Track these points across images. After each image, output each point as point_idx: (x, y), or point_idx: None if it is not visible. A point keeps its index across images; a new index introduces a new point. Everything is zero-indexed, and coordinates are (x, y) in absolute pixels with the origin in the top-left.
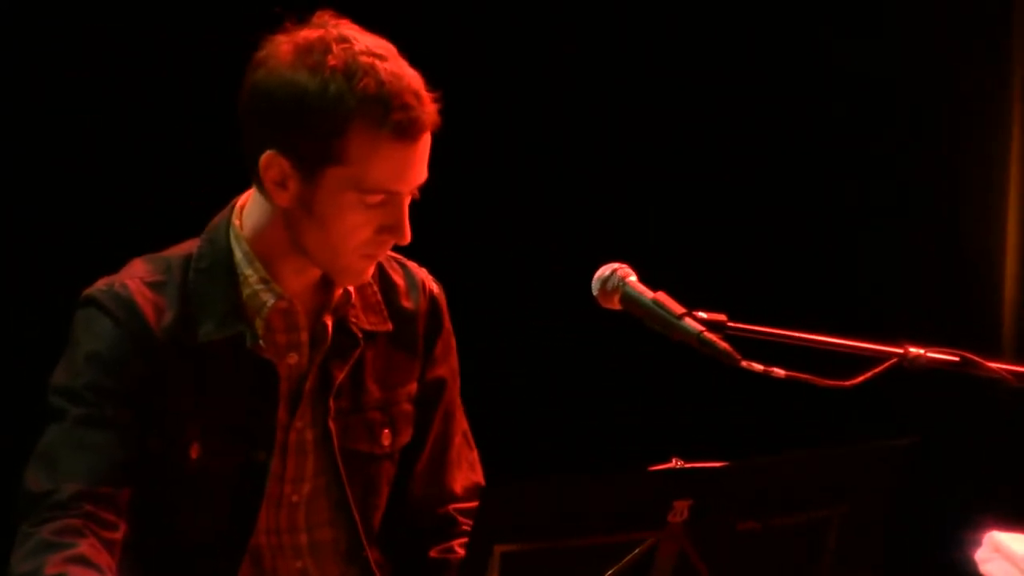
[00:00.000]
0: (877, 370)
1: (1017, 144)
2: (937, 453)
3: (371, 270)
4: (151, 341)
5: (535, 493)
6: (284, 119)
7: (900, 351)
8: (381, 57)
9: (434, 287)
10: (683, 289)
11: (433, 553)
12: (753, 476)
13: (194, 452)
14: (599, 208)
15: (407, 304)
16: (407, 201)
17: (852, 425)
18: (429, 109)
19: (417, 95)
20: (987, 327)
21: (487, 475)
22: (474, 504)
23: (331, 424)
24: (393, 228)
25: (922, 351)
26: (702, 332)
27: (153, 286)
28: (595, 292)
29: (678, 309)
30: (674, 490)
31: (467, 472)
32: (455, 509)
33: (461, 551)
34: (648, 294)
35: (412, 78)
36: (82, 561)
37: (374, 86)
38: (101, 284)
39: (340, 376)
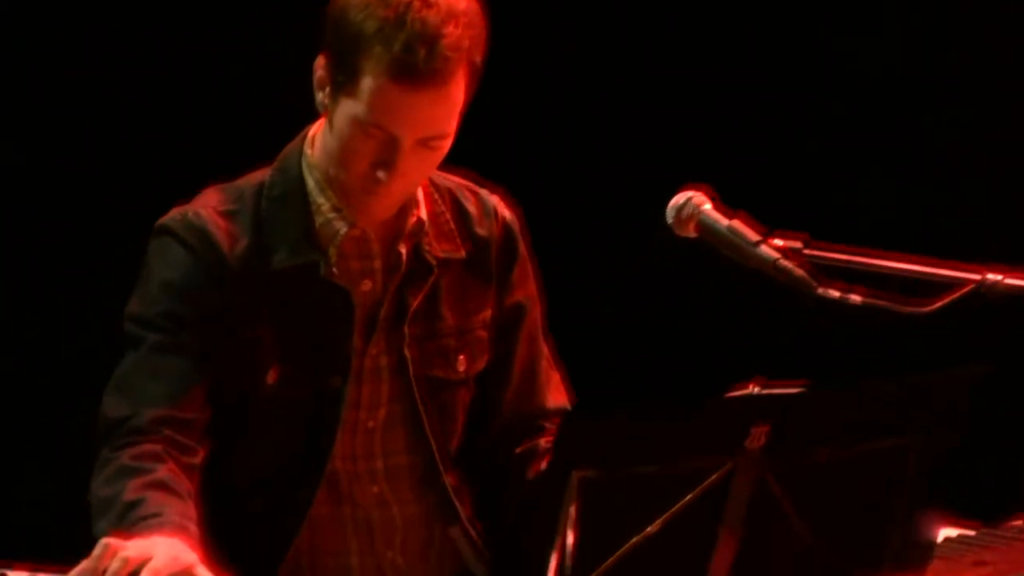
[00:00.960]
0: (954, 295)
1: None
2: (1012, 382)
3: (388, 206)
4: (225, 269)
5: (614, 420)
6: (330, 25)
7: (978, 277)
8: (429, 4)
9: (507, 213)
10: (760, 213)
11: (518, 449)
12: (831, 402)
13: (270, 379)
14: (675, 134)
15: (480, 231)
16: (417, 150)
17: (929, 353)
18: (436, 64)
19: (432, 46)
20: None
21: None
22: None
23: (406, 351)
24: (384, 165)
25: (1000, 277)
26: (777, 260)
27: (226, 214)
28: (670, 220)
29: (754, 235)
30: (752, 415)
31: (554, 393)
32: (543, 424)
33: (546, 445)
34: (723, 221)
35: (439, 29)
36: (162, 486)
37: (394, 20)
38: (174, 213)
39: (415, 303)
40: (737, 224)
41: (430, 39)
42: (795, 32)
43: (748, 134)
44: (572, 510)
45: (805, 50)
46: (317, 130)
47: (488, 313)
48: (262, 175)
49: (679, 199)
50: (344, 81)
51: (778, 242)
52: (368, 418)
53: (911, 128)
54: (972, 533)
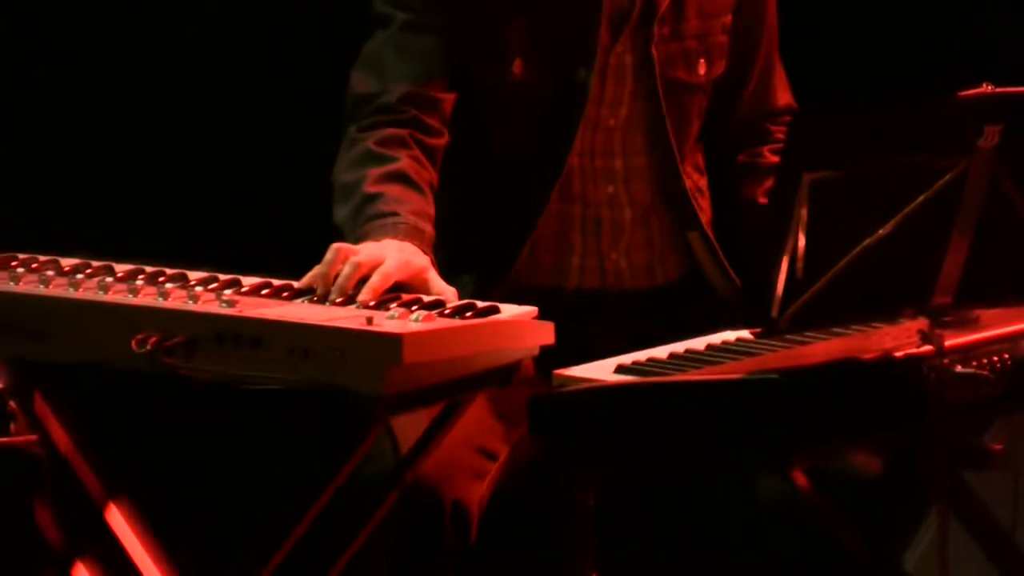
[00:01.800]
0: None
1: None
2: None
3: None
4: None
5: (845, 120)
6: None
7: None
8: None
9: None
10: None
11: (742, 157)
12: None
13: (517, 67)
14: None
15: None
16: None
17: None
18: None
19: None
20: None
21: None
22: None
23: (653, 50)
24: None
25: None
26: None
27: None
28: None
29: None
30: (985, 114)
31: (782, 91)
32: (771, 126)
33: (770, 156)
34: None
35: None
36: (402, 179)
37: None
38: None
39: (665, 2)
40: None
41: None
42: None
43: None
44: (803, 212)
45: None
46: None
47: (728, 18)
48: None
49: None
50: None
51: None
52: (609, 116)
53: None
54: None
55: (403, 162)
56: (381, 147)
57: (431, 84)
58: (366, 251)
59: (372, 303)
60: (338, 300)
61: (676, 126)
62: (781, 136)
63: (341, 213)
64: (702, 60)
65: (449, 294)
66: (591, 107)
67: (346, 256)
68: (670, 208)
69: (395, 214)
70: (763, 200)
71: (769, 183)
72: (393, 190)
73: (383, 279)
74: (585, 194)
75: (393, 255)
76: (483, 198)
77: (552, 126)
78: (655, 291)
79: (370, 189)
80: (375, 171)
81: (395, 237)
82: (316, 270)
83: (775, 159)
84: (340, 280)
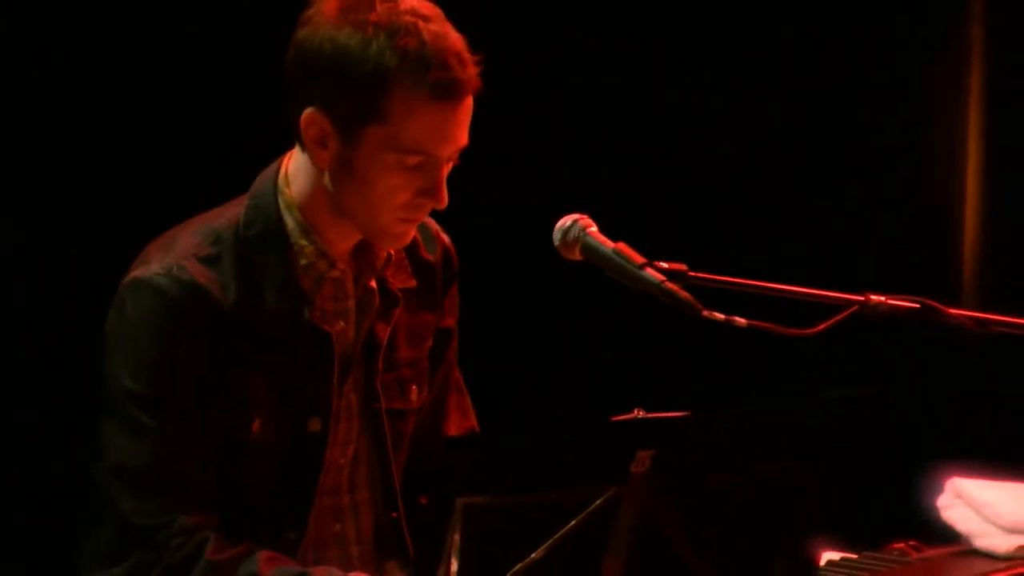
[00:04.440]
0: (838, 317)
1: (976, 88)
2: (900, 400)
3: (411, 234)
4: (220, 323)
5: (496, 446)
6: (325, 76)
7: (861, 298)
8: (425, 18)
9: (445, 237)
10: (645, 240)
11: (422, 499)
12: (716, 426)
13: (256, 426)
14: (560, 160)
15: (427, 256)
16: (447, 165)
17: (817, 375)
18: (470, 72)
19: (459, 56)
20: (949, 275)
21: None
22: None
23: (377, 386)
24: (430, 191)
25: (883, 298)
26: (663, 282)
27: (208, 261)
28: (556, 243)
29: (638, 259)
30: (636, 440)
31: (461, 419)
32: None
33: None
34: (608, 244)
35: (455, 40)
36: (273, 557)
37: (415, 45)
38: (155, 268)
39: (384, 338)
40: (622, 247)
41: (455, 51)
42: (671, 67)
43: (626, 164)
44: (456, 537)
45: (678, 83)
46: (289, 163)
47: (431, 341)
48: (234, 212)
49: (565, 221)
50: (365, 124)
51: (663, 265)
52: (340, 455)
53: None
54: (855, 557)
55: (255, 552)
56: (220, 553)
57: (208, 499)
58: None
59: None
60: None
61: (397, 456)
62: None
63: None
64: (414, 386)
65: None
66: (327, 451)
67: None
68: (384, 540)
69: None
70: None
71: None
72: (283, 565)
73: None
74: (318, 532)
75: None
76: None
77: (294, 475)
78: None
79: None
80: (255, 566)
81: None
82: None
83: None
84: None
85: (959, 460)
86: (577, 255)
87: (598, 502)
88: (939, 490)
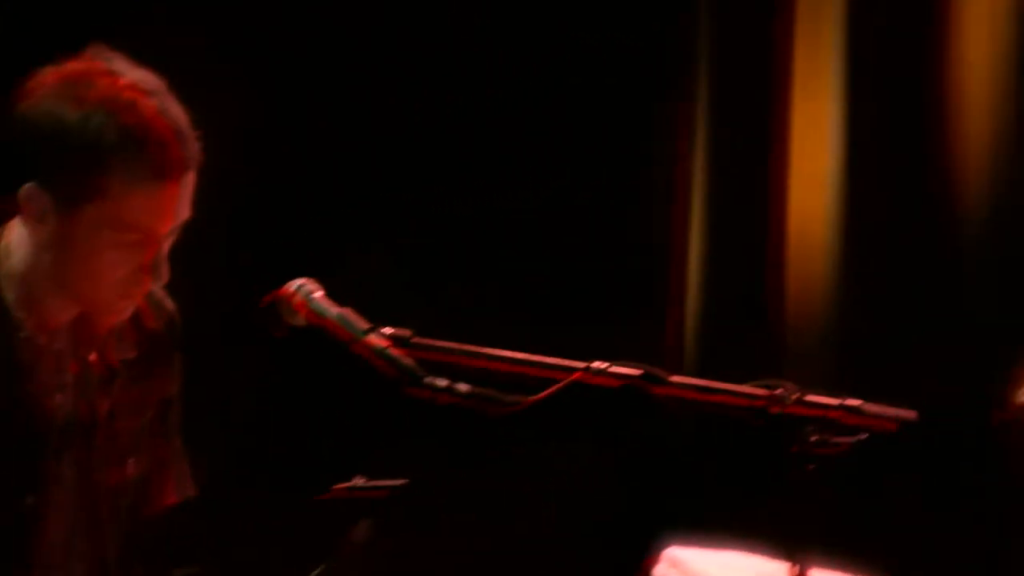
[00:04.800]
0: (558, 385)
1: (700, 149)
2: (614, 469)
3: (131, 308)
4: None
5: (213, 516)
6: (44, 152)
7: (583, 366)
8: (147, 92)
9: (170, 304)
10: (370, 309)
11: (138, 573)
12: (434, 494)
13: None
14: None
15: (152, 324)
16: (167, 240)
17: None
18: (191, 149)
19: (179, 133)
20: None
21: None
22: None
23: (93, 459)
24: (150, 267)
25: (605, 365)
26: (387, 348)
27: None
28: (280, 308)
29: (364, 324)
30: (355, 509)
31: (180, 489)
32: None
33: None
34: (334, 308)
35: (177, 115)
36: None
37: (135, 121)
38: None
39: (103, 411)
40: (348, 312)
41: (175, 128)
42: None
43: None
44: None
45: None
46: (11, 239)
47: (152, 411)
48: None
49: (291, 286)
50: (84, 201)
51: (387, 330)
52: (55, 529)
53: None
54: None
55: None
56: None
57: None
58: None
59: None
60: None
61: (114, 528)
62: None
63: None
64: (132, 459)
65: None
66: (40, 526)
67: None
68: None
69: None
70: None
71: None
72: None
73: None
74: None
75: None
76: None
77: (5, 551)
78: None
79: None
80: None
81: None
82: None
83: None
84: None
85: (676, 528)
86: (302, 319)
87: (315, 573)
88: (655, 560)
